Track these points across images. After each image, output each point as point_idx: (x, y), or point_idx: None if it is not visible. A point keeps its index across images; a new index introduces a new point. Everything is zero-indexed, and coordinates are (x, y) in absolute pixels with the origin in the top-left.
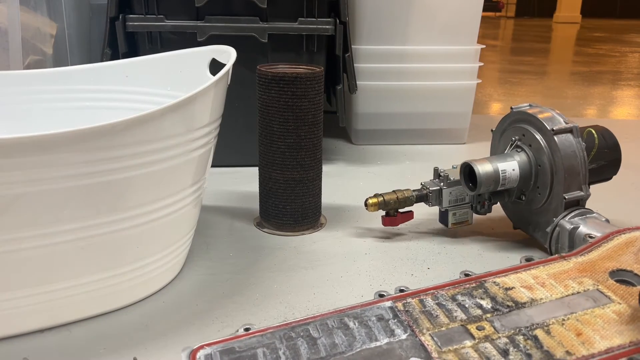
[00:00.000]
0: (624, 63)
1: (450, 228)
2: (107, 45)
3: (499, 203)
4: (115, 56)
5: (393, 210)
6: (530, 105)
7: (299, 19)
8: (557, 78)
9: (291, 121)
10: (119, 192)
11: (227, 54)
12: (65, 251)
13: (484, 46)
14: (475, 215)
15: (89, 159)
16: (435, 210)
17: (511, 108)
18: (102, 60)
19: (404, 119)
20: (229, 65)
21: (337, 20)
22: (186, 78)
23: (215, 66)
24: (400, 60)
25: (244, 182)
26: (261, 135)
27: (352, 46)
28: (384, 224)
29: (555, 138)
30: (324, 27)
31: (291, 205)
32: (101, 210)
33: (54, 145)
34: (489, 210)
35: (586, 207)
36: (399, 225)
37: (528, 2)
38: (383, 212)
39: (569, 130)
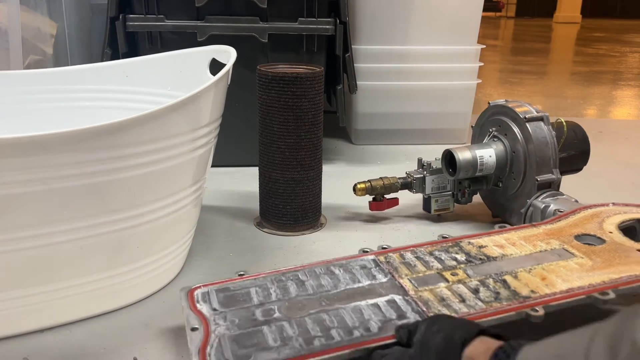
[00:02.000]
0: (624, 63)
1: (433, 214)
2: (107, 45)
3: (479, 194)
4: (115, 56)
5: (380, 196)
6: (506, 100)
7: (299, 19)
8: (557, 78)
9: (291, 121)
10: (120, 192)
11: (227, 54)
12: (65, 251)
13: (484, 46)
14: (457, 206)
15: (89, 159)
16: (419, 197)
17: (489, 103)
18: (102, 60)
19: (404, 119)
20: (229, 65)
21: (337, 20)
22: (186, 78)
23: (215, 66)
24: (400, 60)
25: (244, 182)
26: (261, 135)
27: (352, 46)
28: (371, 208)
29: (528, 126)
30: (324, 27)
31: (291, 205)
32: (101, 210)
33: (54, 145)
34: (470, 200)
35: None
36: (385, 210)
37: (528, 2)
38: (370, 198)
39: (540, 119)
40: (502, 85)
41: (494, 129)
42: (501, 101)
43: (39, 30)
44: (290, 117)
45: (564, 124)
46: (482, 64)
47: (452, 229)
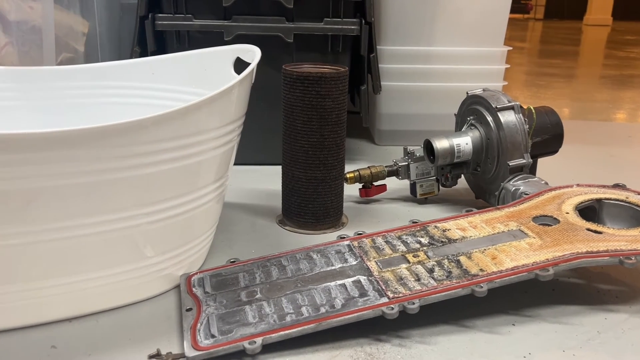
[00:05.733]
0: None
1: (419, 198)
2: (136, 44)
3: (464, 177)
4: (144, 54)
5: (368, 183)
6: (483, 90)
7: (325, 19)
8: (586, 81)
9: (315, 120)
10: (145, 187)
11: (252, 53)
12: (92, 243)
13: (510, 48)
14: (443, 189)
15: (116, 154)
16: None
17: (467, 93)
18: (131, 58)
19: (428, 121)
20: (253, 64)
21: (363, 21)
22: (210, 76)
23: (240, 65)
24: (426, 62)
25: (267, 180)
26: (285, 134)
27: (377, 47)
28: (361, 195)
29: (499, 114)
30: (349, 27)
31: (313, 204)
32: (125, 205)
33: (81, 140)
34: (454, 183)
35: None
36: (375, 196)
37: (557, 3)
38: (360, 185)
39: (511, 108)
40: (529, 88)
41: (471, 117)
42: (478, 91)
43: (71, 29)
44: (314, 116)
45: (533, 110)
46: (508, 66)
47: (437, 211)
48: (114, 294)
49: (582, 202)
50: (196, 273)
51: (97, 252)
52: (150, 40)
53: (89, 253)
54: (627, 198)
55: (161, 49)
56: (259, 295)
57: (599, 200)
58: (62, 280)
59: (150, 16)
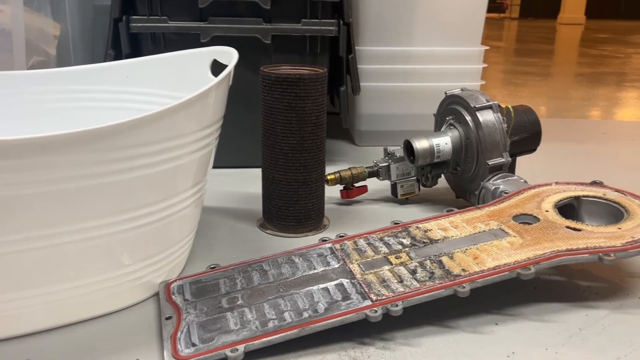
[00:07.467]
0: (628, 64)
1: (400, 198)
2: (110, 47)
3: (444, 177)
4: (118, 57)
5: (349, 185)
6: (461, 90)
7: (302, 20)
8: (562, 79)
9: (294, 122)
10: (122, 193)
11: (229, 55)
12: (68, 252)
13: (488, 47)
14: (424, 189)
15: (91, 160)
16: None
17: (445, 93)
18: (105, 62)
19: (408, 121)
20: (230, 67)
21: (341, 22)
22: (187, 79)
23: (217, 67)
24: (404, 62)
25: (247, 183)
26: (264, 137)
27: (356, 47)
28: (342, 196)
29: (477, 114)
30: (327, 28)
31: (294, 207)
32: (103, 211)
33: (55, 146)
34: (435, 183)
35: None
36: (356, 197)
37: (532, 3)
38: (341, 187)
39: (489, 107)
40: (506, 86)
41: (450, 117)
42: (457, 90)
43: (42, 32)
44: (294, 118)
45: (511, 109)
46: (486, 65)
47: (418, 211)
48: (90, 303)
49: (561, 200)
50: (175, 280)
51: (73, 261)
52: (125, 43)
53: (65, 262)
54: (604, 195)
55: (136, 52)
56: (240, 302)
57: (577, 198)
58: (37, 291)
59: (124, 18)
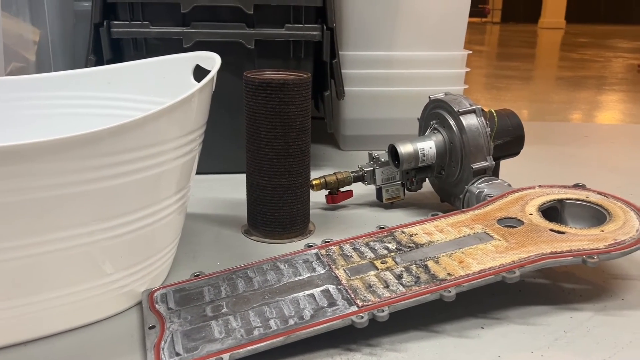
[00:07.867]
0: (608, 68)
1: (385, 203)
2: (91, 52)
3: (428, 181)
4: (99, 63)
5: (334, 190)
6: (445, 94)
7: (286, 25)
8: (543, 83)
9: (279, 127)
10: (104, 201)
11: (212, 60)
12: (48, 261)
13: (470, 52)
14: (409, 193)
15: (72, 168)
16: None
17: (429, 97)
18: (86, 67)
19: (392, 125)
20: (213, 72)
21: (324, 26)
22: (169, 85)
23: (199, 73)
24: (388, 66)
25: (231, 189)
26: (248, 142)
27: (340, 52)
28: (327, 201)
29: (461, 118)
30: (311, 33)
31: (279, 213)
32: (84, 220)
33: (34, 154)
34: (419, 187)
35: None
36: (341, 202)
37: (513, 7)
38: (327, 192)
39: (472, 111)
40: (489, 90)
41: (434, 121)
42: (440, 95)
43: (21, 37)
44: (278, 123)
45: (494, 114)
46: (468, 69)
47: (403, 215)
48: (72, 314)
49: (544, 203)
50: (159, 289)
51: (54, 270)
52: (106, 49)
53: (45, 272)
54: (587, 197)
55: (118, 57)
56: (225, 310)
57: (560, 201)
58: (16, 302)
59: (105, 23)
